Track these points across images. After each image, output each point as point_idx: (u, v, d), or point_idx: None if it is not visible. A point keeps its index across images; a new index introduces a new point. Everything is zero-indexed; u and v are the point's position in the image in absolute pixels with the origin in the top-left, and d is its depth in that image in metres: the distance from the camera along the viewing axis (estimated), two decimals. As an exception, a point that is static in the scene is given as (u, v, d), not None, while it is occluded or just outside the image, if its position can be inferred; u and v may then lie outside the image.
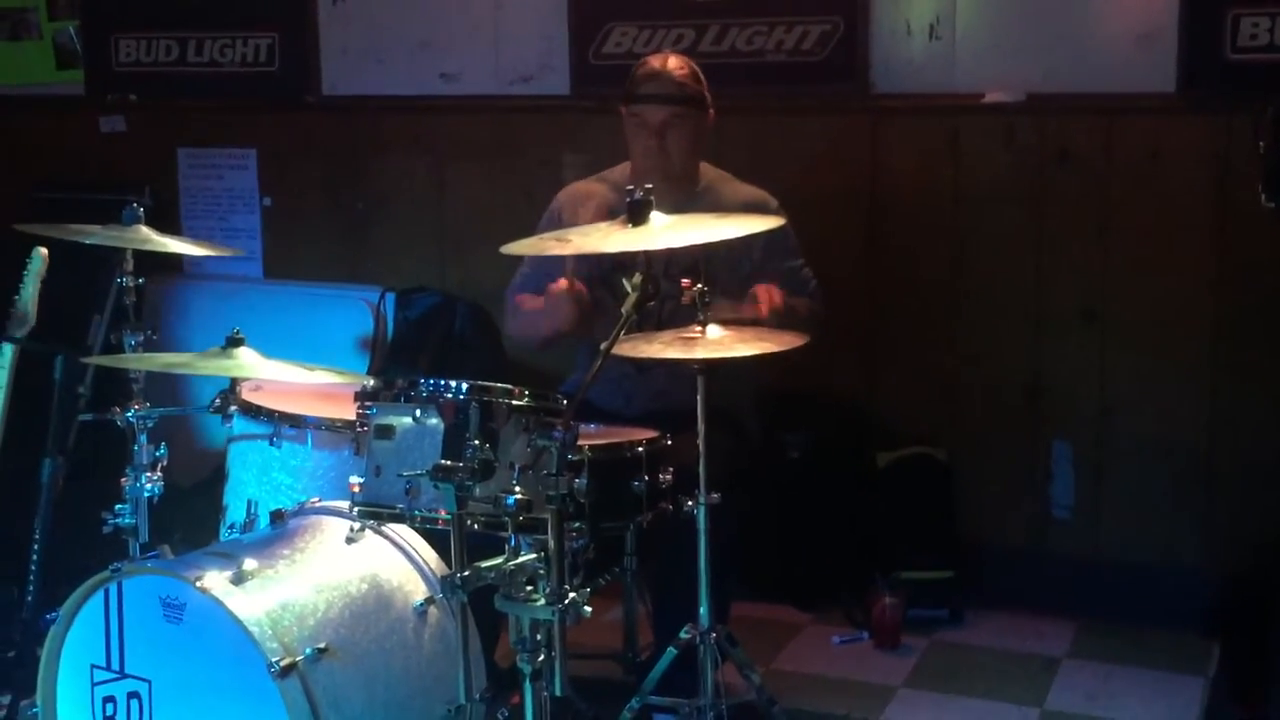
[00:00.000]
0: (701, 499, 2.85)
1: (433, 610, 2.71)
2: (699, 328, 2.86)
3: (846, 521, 4.17)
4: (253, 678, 2.43)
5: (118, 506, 2.97)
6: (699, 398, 2.85)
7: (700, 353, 2.82)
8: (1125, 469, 4.04)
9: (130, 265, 3.07)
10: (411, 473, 2.48)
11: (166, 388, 4.05)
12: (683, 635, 2.94)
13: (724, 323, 2.91)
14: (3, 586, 3.28)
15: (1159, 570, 3.99)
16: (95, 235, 3.05)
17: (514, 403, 2.47)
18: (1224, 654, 3.73)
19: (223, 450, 3.18)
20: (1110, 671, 3.75)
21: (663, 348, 2.84)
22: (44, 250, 3.17)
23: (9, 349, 3.18)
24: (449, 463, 2.35)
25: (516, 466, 2.41)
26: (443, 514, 2.46)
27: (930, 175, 4.12)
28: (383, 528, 2.76)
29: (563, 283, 3.26)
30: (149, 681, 2.56)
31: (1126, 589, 4.01)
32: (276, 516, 2.85)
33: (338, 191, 4.85)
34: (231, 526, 3.04)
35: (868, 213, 4.20)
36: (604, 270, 3.39)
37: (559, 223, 3.47)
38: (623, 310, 2.48)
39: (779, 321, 3.15)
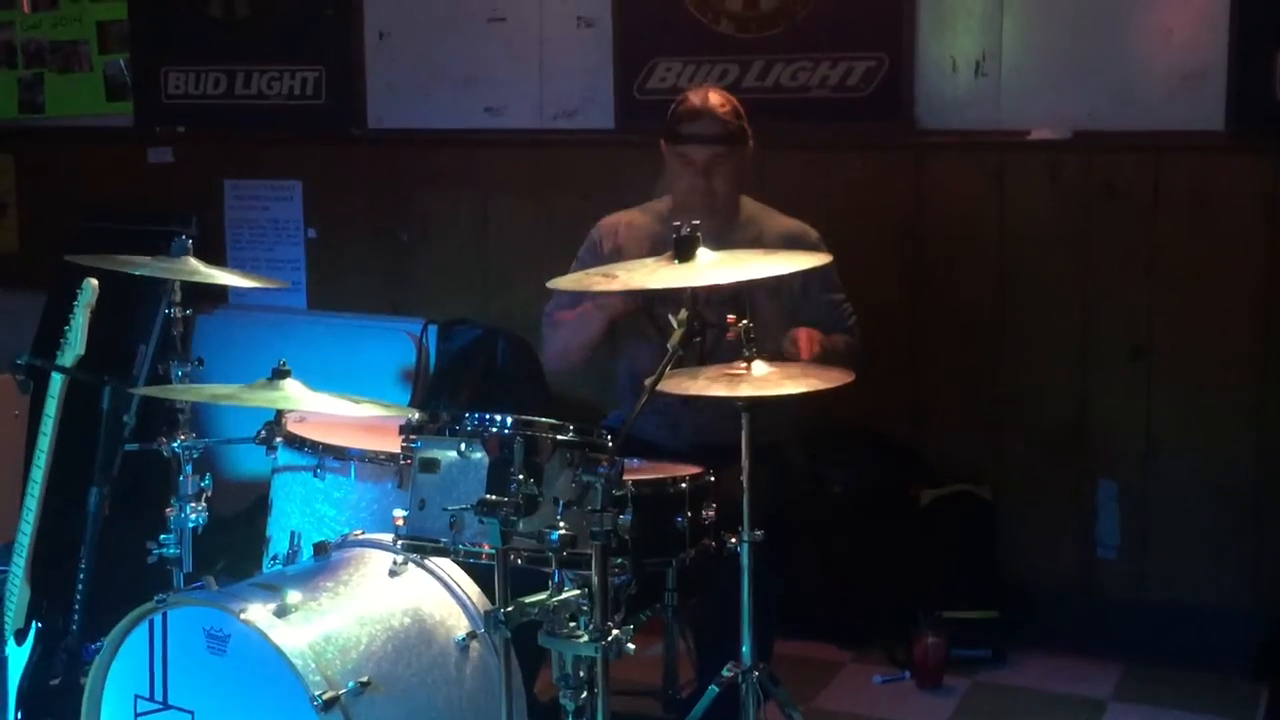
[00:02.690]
0: (745, 536, 2.83)
1: (475, 645, 2.70)
2: (744, 364, 2.86)
3: (889, 559, 4.13)
4: (295, 710, 2.43)
5: (163, 536, 2.98)
6: (744, 435, 2.84)
7: (746, 389, 2.81)
8: (1172, 508, 4.00)
9: (178, 296, 3.10)
10: (456, 507, 2.47)
11: (210, 417, 4.07)
12: (725, 673, 2.92)
13: (769, 359, 2.90)
14: (48, 615, 3.29)
15: (1207, 611, 3.95)
16: (144, 267, 3.08)
17: (559, 437, 2.46)
18: (1273, 698, 3.67)
19: (266, 481, 3.19)
20: (1157, 715, 3.70)
21: (708, 384, 2.83)
22: (94, 281, 3.19)
23: (58, 379, 3.20)
24: (493, 497, 2.35)
25: (561, 502, 2.40)
26: (486, 548, 2.46)
27: (976, 212, 4.11)
28: (426, 561, 2.76)
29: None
30: (192, 712, 2.56)
31: (1173, 630, 3.96)
32: (320, 548, 2.85)
33: (382, 224, 4.88)
34: (275, 558, 3.05)
35: (913, 249, 4.19)
36: (645, 300, 3.39)
37: (599, 252, 3.48)
38: (668, 346, 2.48)
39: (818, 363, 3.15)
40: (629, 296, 3.25)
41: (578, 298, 3.45)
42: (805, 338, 3.22)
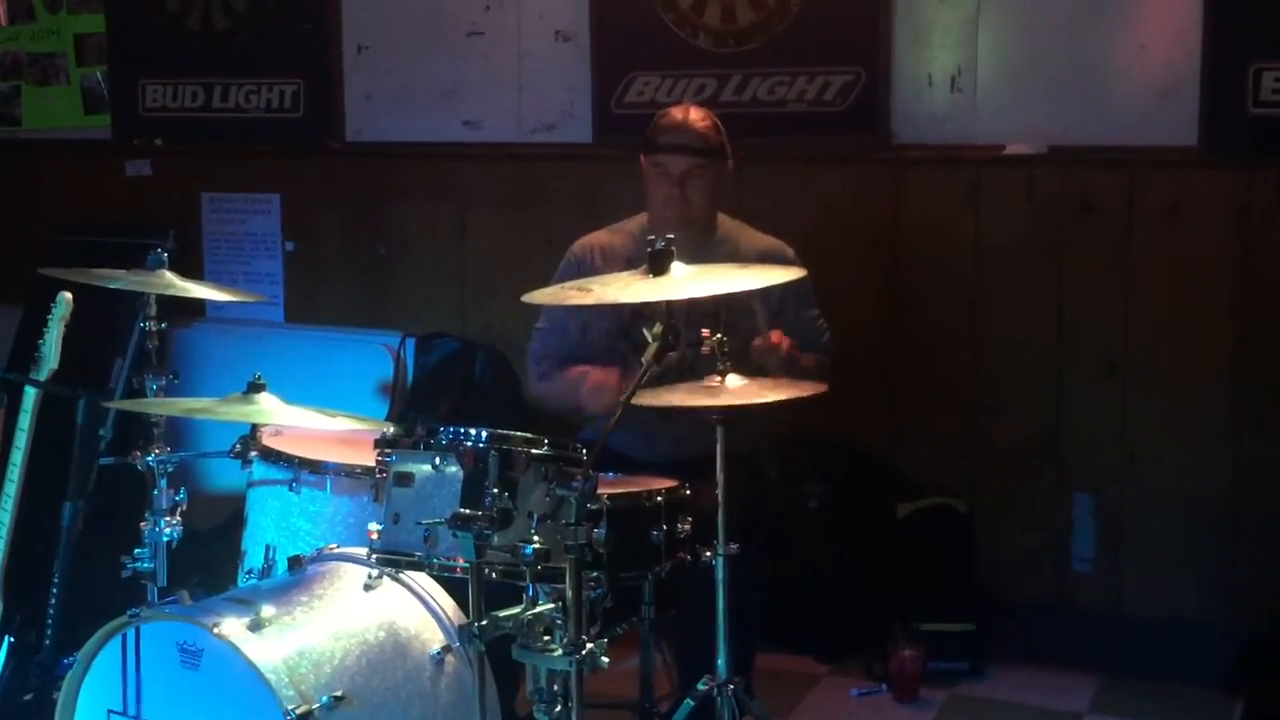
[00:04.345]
0: (720, 549, 2.84)
1: (449, 659, 2.70)
2: (719, 377, 2.86)
3: (866, 572, 4.14)
4: (269, 725, 2.43)
5: (137, 551, 2.97)
6: (718, 447, 2.84)
7: (720, 401, 2.81)
8: (1147, 522, 4.02)
9: (154, 310, 3.09)
10: (430, 520, 2.47)
11: (185, 430, 4.06)
12: (700, 686, 2.92)
13: (743, 373, 2.90)
14: (21, 630, 3.28)
15: (1182, 625, 3.96)
16: (120, 280, 3.07)
17: (533, 451, 2.47)
18: (1247, 711, 3.69)
19: (241, 495, 3.18)
20: (1132, 728, 3.72)
21: (684, 397, 2.84)
22: (68, 294, 3.19)
23: (32, 392, 3.19)
24: (468, 511, 2.35)
25: (535, 515, 2.41)
26: (461, 562, 2.46)
27: (951, 226, 4.12)
28: (401, 575, 2.76)
29: (615, 375, 3.28)
30: (165, 727, 2.56)
31: (1149, 644, 3.97)
32: (295, 562, 2.85)
33: (360, 237, 4.87)
34: (250, 572, 3.04)
35: (889, 263, 4.20)
36: (624, 320, 3.40)
37: (576, 273, 3.48)
38: (643, 360, 2.49)
39: (783, 369, 3.16)
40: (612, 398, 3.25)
41: (554, 332, 3.48)
42: (777, 333, 3.23)
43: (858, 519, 4.19)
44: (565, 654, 2.32)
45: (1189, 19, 3.81)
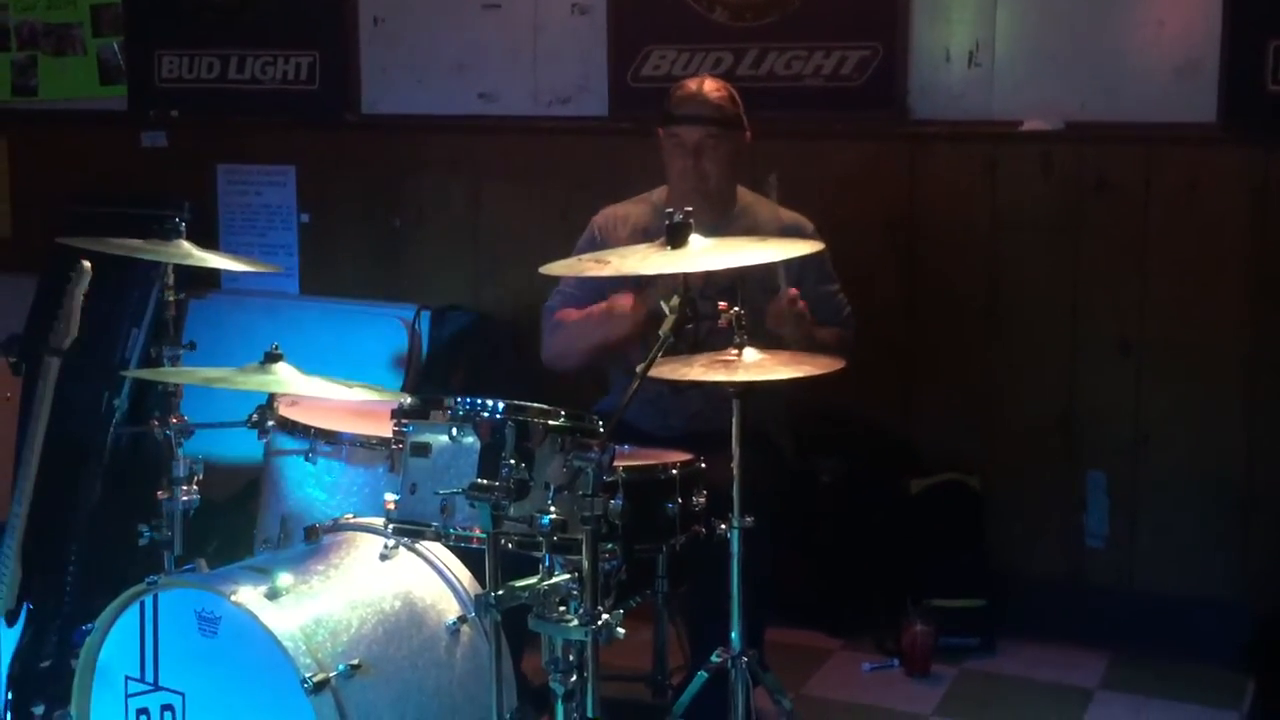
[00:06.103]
0: (735, 522, 2.84)
1: (465, 629, 2.72)
2: (736, 350, 2.86)
3: (878, 547, 4.15)
4: (286, 693, 2.44)
5: (154, 520, 2.99)
6: (734, 421, 2.84)
7: (737, 376, 2.81)
8: (1160, 500, 4.02)
9: (171, 280, 3.10)
10: (447, 491, 2.48)
11: (201, 401, 4.07)
12: (714, 659, 2.93)
13: (760, 347, 2.90)
14: (40, 597, 3.30)
15: (1193, 603, 3.97)
16: (138, 250, 3.08)
17: (550, 423, 2.47)
18: (1258, 690, 3.69)
19: (258, 465, 3.20)
20: (1143, 704, 3.72)
21: (701, 371, 2.84)
22: (87, 264, 3.19)
23: (50, 362, 3.20)
24: (484, 481, 2.36)
25: (551, 486, 2.41)
26: (477, 533, 2.47)
27: (968, 202, 4.12)
28: (417, 545, 2.77)
29: (630, 299, 3.26)
30: (182, 694, 2.58)
31: (1160, 621, 3.98)
32: (311, 532, 2.86)
33: (375, 209, 4.88)
34: (266, 541, 3.06)
35: (905, 239, 4.20)
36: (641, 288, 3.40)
37: (598, 244, 3.48)
38: (660, 332, 2.49)
39: (799, 333, 3.15)
40: (638, 318, 3.24)
41: (580, 297, 3.46)
42: (793, 291, 3.22)
43: (870, 494, 4.19)
44: (581, 624, 2.33)
45: (1209, -5, 3.80)
